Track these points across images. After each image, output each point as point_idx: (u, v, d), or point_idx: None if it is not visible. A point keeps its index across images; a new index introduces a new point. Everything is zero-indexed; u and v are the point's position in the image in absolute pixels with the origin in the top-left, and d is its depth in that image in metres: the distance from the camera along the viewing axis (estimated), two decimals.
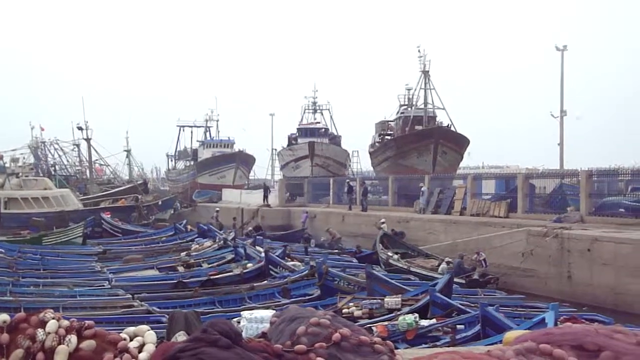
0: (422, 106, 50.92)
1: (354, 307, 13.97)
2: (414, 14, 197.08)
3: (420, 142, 44.63)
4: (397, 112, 53.85)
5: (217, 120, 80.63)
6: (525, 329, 8.67)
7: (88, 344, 4.79)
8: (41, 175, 54.13)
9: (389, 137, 53.18)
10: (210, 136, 79.13)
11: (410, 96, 53.37)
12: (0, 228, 36.68)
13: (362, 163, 62.75)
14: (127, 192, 51.37)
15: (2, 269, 21.11)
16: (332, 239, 31.31)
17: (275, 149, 68.63)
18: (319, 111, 66.57)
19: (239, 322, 8.84)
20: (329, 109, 66.82)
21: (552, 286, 20.54)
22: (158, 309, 14.85)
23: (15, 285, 17.81)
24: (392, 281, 16.59)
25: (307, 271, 18.53)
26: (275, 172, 70.10)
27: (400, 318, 12.19)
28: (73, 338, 4.76)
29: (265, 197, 45.40)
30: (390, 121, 55.31)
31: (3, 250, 25.17)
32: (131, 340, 5.06)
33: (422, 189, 31.67)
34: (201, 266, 22.83)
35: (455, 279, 17.88)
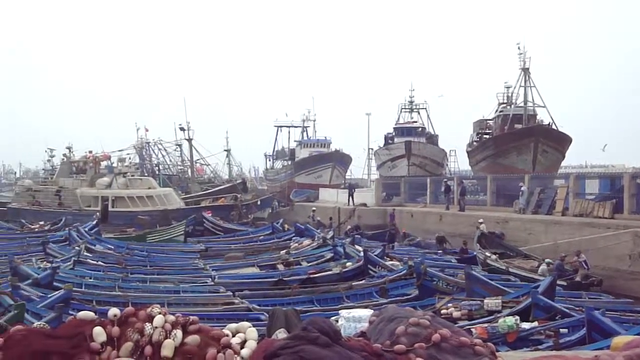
0: (522, 104, 49.68)
1: (453, 308, 13.75)
2: (515, 9, 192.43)
3: (520, 141, 43.58)
4: (496, 111, 52.79)
5: (314, 120, 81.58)
6: (635, 335, 8.32)
7: (193, 339, 4.95)
8: (146, 174, 56.12)
9: (487, 136, 52.23)
10: (308, 136, 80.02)
11: (510, 94, 52.31)
12: (107, 225, 38.28)
13: (459, 162, 61.88)
14: (226, 191, 52.53)
15: (112, 264, 22.06)
16: (439, 243, 30.53)
17: (372, 149, 68.56)
18: (415, 110, 66.08)
19: (336, 321, 8.87)
20: (426, 108, 66.28)
21: None
22: (258, 307, 15.08)
23: (124, 281, 18.55)
24: (492, 282, 16.21)
25: (405, 271, 18.38)
26: (372, 171, 69.94)
27: (501, 320, 11.91)
28: (179, 333, 4.92)
29: (351, 196, 45.65)
30: (489, 120, 54.30)
31: (112, 247, 26.36)
32: (233, 336, 5.19)
33: (522, 188, 30.87)
34: (300, 264, 23.00)
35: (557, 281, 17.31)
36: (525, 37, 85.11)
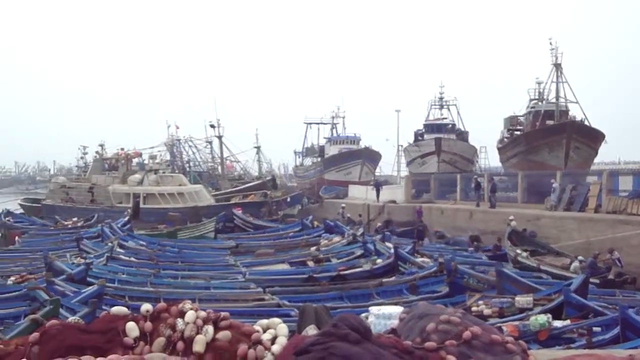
0: (554, 100, 49.16)
1: (484, 306, 13.65)
2: (547, 4, 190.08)
3: (551, 137, 43.12)
4: (527, 107, 52.33)
5: (344, 117, 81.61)
6: None
7: (224, 335, 4.99)
8: (176, 171, 56.54)
9: (518, 133, 51.77)
10: (337, 133, 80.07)
11: (541, 90, 51.84)
12: (138, 222, 38.66)
13: (490, 159, 61.44)
14: (256, 188, 52.78)
15: (144, 260, 22.31)
16: (472, 242, 30.22)
17: (401, 145, 68.34)
18: (445, 107, 65.83)
19: (366, 318, 8.86)
20: (455, 105, 66.02)
21: None
22: (288, 303, 15.13)
23: (156, 277, 18.75)
24: (524, 280, 16.06)
25: (435, 268, 18.29)
26: (402, 168, 69.74)
27: (532, 318, 11.80)
28: (210, 328, 4.98)
29: (377, 193, 45.90)
30: (520, 116, 53.86)
31: (144, 243, 26.64)
32: (264, 332, 5.22)
33: (554, 185, 30.55)
34: (330, 261, 23.01)
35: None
36: (557, 33, 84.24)
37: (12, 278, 16.86)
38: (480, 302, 14.04)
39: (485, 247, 27.87)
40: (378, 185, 48.17)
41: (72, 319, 7.23)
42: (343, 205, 45.22)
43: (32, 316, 8.84)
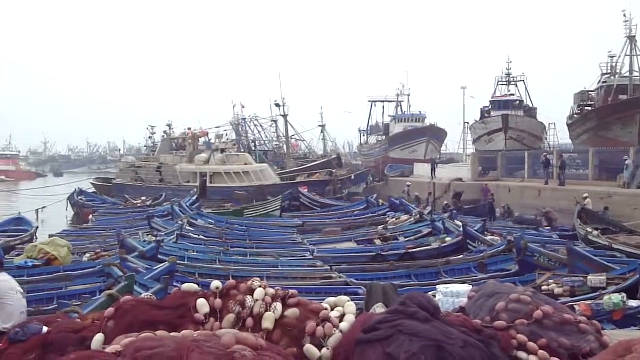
0: (627, 74, 47.43)
1: (555, 284, 13.36)
2: None
3: (624, 113, 41.53)
4: (599, 82, 50.53)
5: (409, 95, 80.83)
6: None
7: (292, 312, 5.04)
8: (242, 150, 57.11)
9: (589, 108, 50.21)
10: (402, 111, 79.45)
11: (614, 64, 49.92)
12: (205, 201, 39.29)
13: (559, 136, 59.95)
14: (321, 167, 52.84)
15: (213, 238, 22.68)
16: (545, 217, 29.53)
17: (467, 123, 67.31)
18: (513, 83, 64.31)
19: (434, 296, 8.81)
20: (523, 81, 64.33)
21: None
22: (355, 281, 15.15)
23: (225, 255, 19.04)
24: (596, 258, 15.64)
25: (504, 246, 18.00)
26: (468, 146, 68.78)
27: (606, 297, 11.47)
28: (279, 306, 5.03)
29: (433, 171, 46.29)
30: (591, 91, 52.10)
31: (213, 221, 27.08)
32: (332, 310, 5.24)
33: (627, 162, 29.63)
34: (398, 240, 22.90)
35: None
36: (632, 3, 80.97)
37: (87, 255, 17.42)
38: (551, 280, 13.76)
39: (562, 226, 27.08)
40: (433, 163, 48.19)
41: (145, 295, 7.43)
42: (408, 183, 44.96)
43: (108, 292, 9.11)
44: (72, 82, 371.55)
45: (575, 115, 52.36)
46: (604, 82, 49.44)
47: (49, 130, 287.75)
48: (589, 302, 11.61)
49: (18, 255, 16.19)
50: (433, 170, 46.47)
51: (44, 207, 36.01)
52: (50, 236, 19.06)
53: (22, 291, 6.61)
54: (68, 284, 13.23)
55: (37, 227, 25.37)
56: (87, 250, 19.04)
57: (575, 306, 10.88)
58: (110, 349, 4.17)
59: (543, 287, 13.08)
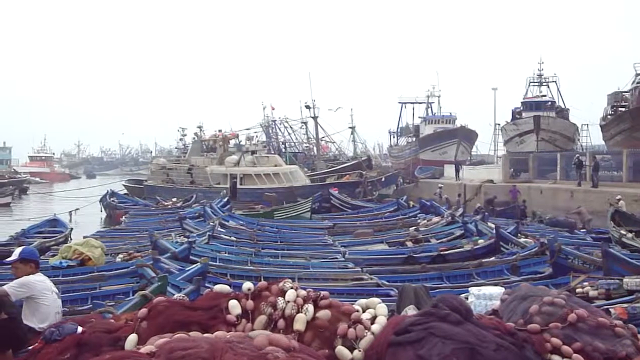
0: None
1: (589, 287, 13.16)
2: None
3: None
4: (633, 82, 49.72)
5: (439, 96, 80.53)
6: None
7: (324, 314, 5.04)
8: (272, 152, 57.30)
9: (623, 109, 49.47)
10: (432, 112, 79.18)
11: None
12: (236, 202, 39.49)
13: (592, 137, 59.23)
14: (351, 168, 52.74)
15: (244, 240, 22.77)
16: (580, 218, 29.16)
17: (499, 124, 66.78)
18: (545, 84, 63.76)
19: (466, 298, 8.74)
20: (555, 82, 63.91)
21: None
22: (387, 283, 15.09)
23: (256, 256, 19.10)
24: (633, 261, 15.40)
25: (536, 248, 17.81)
26: (499, 147, 68.25)
27: None
28: (310, 307, 5.03)
29: (457, 172, 46.38)
30: (625, 92, 51.33)
31: (244, 223, 27.21)
32: (363, 311, 5.24)
33: None
34: (429, 241, 22.79)
35: None
36: None
37: (120, 255, 17.57)
38: (585, 283, 13.56)
39: (596, 229, 26.65)
40: (457, 165, 48.32)
41: (177, 295, 7.48)
42: (440, 185, 44.72)
43: (142, 292, 9.17)
44: (105, 85, 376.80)
45: (609, 116, 51.67)
46: (638, 83, 48.66)
47: (82, 132, 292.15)
48: (625, 305, 11.41)
49: (53, 255, 16.36)
50: (457, 171, 46.47)
51: (77, 209, 36.45)
52: (84, 237, 19.28)
53: (57, 291, 6.72)
54: (102, 284, 13.35)
55: (72, 229, 25.66)
56: (120, 251, 19.19)
57: (610, 309, 10.72)
58: (144, 349, 4.20)
59: (577, 290, 12.88)
